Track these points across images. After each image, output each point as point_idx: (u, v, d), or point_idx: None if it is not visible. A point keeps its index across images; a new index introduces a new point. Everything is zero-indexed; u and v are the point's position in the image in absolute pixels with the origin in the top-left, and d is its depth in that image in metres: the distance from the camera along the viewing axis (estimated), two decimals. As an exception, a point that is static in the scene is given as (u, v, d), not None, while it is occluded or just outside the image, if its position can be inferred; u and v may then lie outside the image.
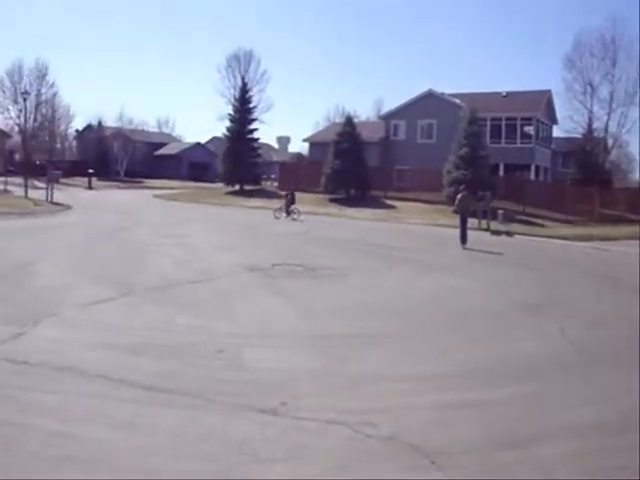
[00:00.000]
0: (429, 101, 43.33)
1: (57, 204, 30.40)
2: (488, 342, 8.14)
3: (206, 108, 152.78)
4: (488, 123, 40.53)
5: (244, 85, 47.78)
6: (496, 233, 26.06)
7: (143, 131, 71.00)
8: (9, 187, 37.18)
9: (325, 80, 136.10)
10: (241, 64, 56.22)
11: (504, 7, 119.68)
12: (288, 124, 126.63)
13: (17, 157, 63.67)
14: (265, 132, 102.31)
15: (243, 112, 44.98)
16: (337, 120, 60.88)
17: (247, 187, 43.54)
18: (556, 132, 48.48)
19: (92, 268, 12.61)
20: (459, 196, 21.74)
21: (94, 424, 4.90)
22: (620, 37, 44.21)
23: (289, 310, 9.53)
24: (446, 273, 14.23)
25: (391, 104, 54.54)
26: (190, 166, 68.80)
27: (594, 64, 45.00)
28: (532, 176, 41.94)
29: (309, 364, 6.79)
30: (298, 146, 72.98)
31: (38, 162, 52.40)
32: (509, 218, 29.44)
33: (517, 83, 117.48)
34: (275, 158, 65.26)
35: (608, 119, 45.58)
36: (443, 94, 44.24)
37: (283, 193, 32.33)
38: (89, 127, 67.55)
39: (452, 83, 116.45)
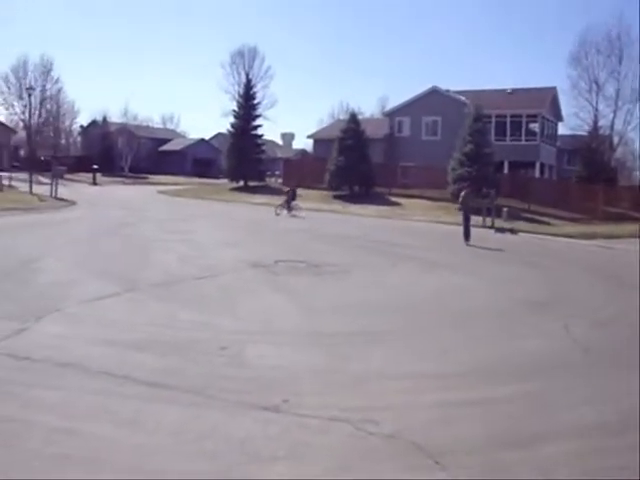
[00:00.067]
0: (434, 98, 43.20)
1: (61, 200, 30.45)
2: (491, 340, 8.12)
3: (210, 104, 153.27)
4: (493, 120, 40.36)
5: (248, 81, 47.70)
6: (500, 231, 25.99)
7: (148, 127, 71.10)
8: (14, 183, 37.24)
9: (329, 77, 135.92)
10: (245, 60, 56.37)
11: (509, 4, 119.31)
12: (292, 121, 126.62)
13: (22, 153, 63.83)
14: (269, 129, 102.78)
15: (247, 108, 44.93)
16: (341, 117, 60.71)
17: (251, 183, 43.52)
18: (561, 129, 48.41)
19: (96, 264, 12.63)
20: (462, 193, 22.00)
21: (97, 421, 4.91)
22: (626, 34, 44.10)
23: (292, 307, 9.52)
24: (450, 271, 14.19)
25: (395, 101, 54.50)
26: (194, 162, 68.83)
27: (600, 61, 44.91)
28: (537, 174, 41.78)
29: (311, 361, 6.78)
30: (302, 143, 73.12)
31: (43, 158, 52.55)
32: (514, 216, 29.35)
33: (522, 80, 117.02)
34: (279, 154, 65.10)
35: (614, 116, 45.48)
36: (448, 91, 44.10)
37: (285, 189, 32.31)
38: (94, 123, 67.62)
39: (457, 80, 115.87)
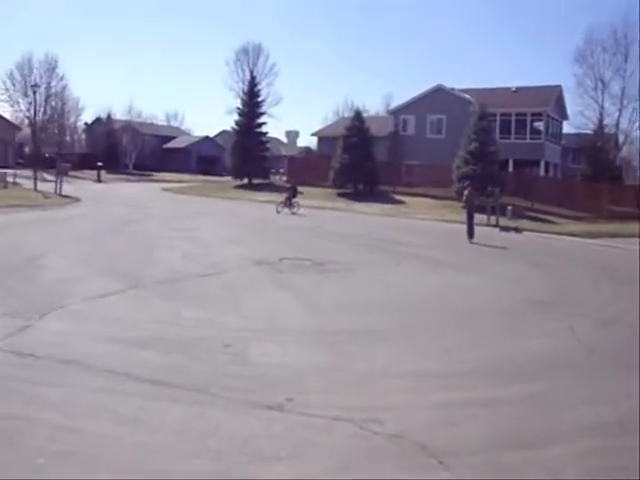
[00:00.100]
0: (438, 96, 43.11)
1: (66, 197, 30.48)
2: (495, 339, 8.09)
3: (215, 102, 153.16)
4: (498, 118, 40.26)
5: (253, 79, 47.63)
6: (505, 229, 25.95)
7: (152, 124, 71.15)
8: (18, 180, 37.27)
9: (334, 74, 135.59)
10: (250, 58, 56.03)
11: (514, 2, 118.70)
12: (297, 118, 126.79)
13: (27, 150, 63.96)
14: (274, 126, 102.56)
15: (252, 106, 44.93)
16: (346, 114, 60.72)
17: (255, 181, 43.55)
18: (566, 128, 48.22)
19: (101, 261, 12.64)
20: (466, 191, 22.11)
21: (100, 419, 4.90)
22: (633, 32, 43.82)
23: (296, 305, 9.51)
24: (454, 269, 14.16)
25: (400, 99, 54.46)
26: (199, 160, 68.88)
27: (606, 59, 44.64)
28: (542, 172, 41.67)
29: (315, 360, 6.77)
30: (307, 140, 72.84)
31: (47, 155, 52.58)
32: (518, 214, 29.30)
33: (527, 78, 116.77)
34: (284, 152, 65.10)
35: (619, 115, 45.25)
36: (453, 89, 43.99)
37: (287, 186, 32.30)
38: (98, 120, 67.68)
39: (462, 78, 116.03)
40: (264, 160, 44.30)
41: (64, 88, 59.59)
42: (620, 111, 45.00)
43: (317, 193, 35.93)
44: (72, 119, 69.35)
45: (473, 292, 11.42)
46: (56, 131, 61.31)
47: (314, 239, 18.78)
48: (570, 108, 46.64)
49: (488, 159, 32.55)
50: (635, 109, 44.68)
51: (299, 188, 30.28)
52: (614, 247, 21.72)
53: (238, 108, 45.84)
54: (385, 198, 36.07)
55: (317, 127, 58.88)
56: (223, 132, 69.63)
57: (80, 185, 39.91)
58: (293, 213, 27.58)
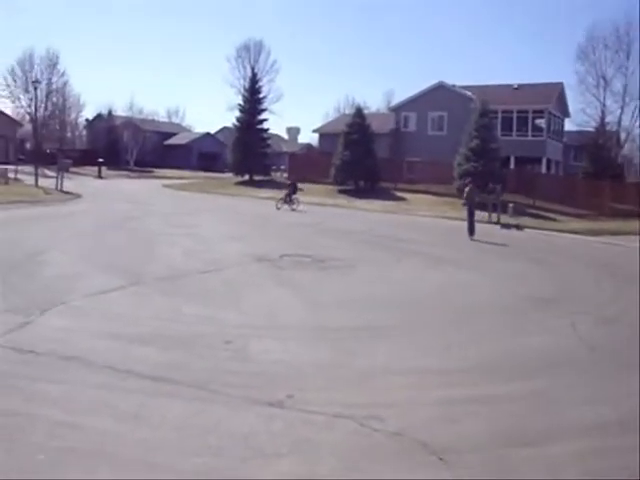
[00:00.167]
0: (440, 93, 43.01)
1: (67, 193, 30.47)
2: (496, 337, 8.09)
3: (216, 98, 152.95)
4: (499, 115, 40.19)
5: (254, 75, 47.58)
6: (506, 226, 25.92)
7: (153, 121, 71.05)
8: (20, 175, 37.31)
9: (335, 71, 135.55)
10: (251, 54, 56.25)
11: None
12: (298, 115, 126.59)
13: (28, 146, 63.94)
14: (275, 123, 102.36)
15: (253, 102, 44.84)
16: (347, 111, 60.65)
17: (256, 177, 43.49)
18: (568, 125, 48.16)
19: (101, 257, 12.64)
20: (467, 189, 22.12)
21: (100, 415, 4.90)
22: (635, 29, 43.72)
23: (297, 302, 9.50)
24: (455, 266, 14.15)
25: (401, 96, 54.32)
26: (200, 156, 68.90)
27: (608, 56, 44.59)
28: (543, 169, 41.58)
29: (316, 356, 6.76)
30: (308, 137, 73.05)
31: (48, 151, 52.69)
32: (519, 211, 29.24)
33: (529, 76, 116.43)
34: (285, 149, 65.06)
35: (621, 112, 45.22)
36: (454, 86, 43.88)
37: (288, 182, 32.28)
38: (99, 116, 67.71)
39: (463, 75, 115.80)
40: (265, 157, 44.23)
41: (65, 84, 59.70)
42: (622, 108, 45.03)
43: (318, 190, 35.89)
44: (73, 115, 69.23)
45: (474, 289, 11.41)
46: (57, 127, 61.24)
47: (315, 236, 18.76)
48: (572, 105, 46.65)
49: (489, 156, 32.48)
50: (637, 107, 44.67)
51: (300, 185, 30.27)
52: (616, 245, 21.69)
53: (239, 104, 45.77)
54: (386, 195, 36.02)
55: (318, 124, 58.70)
56: (224, 128, 69.68)
57: (81, 181, 39.92)
58: (293, 209, 27.58)
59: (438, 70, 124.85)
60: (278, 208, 27.55)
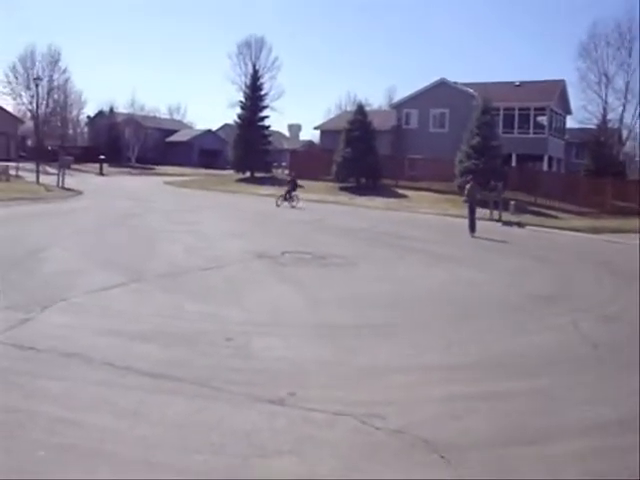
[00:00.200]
0: (442, 90, 42.95)
1: (68, 190, 30.47)
2: (497, 334, 8.06)
3: (217, 95, 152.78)
4: (501, 113, 40.10)
5: (255, 72, 47.50)
6: (507, 224, 25.89)
7: (154, 118, 71.06)
8: (21, 172, 37.27)
9: (337, 68, 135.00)
10: (252, 51, 56.27)
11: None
12: (299, 112, 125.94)
13: (29, 143, 63.88)
14: (276, 120, 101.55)
15: (254, 99, 44.79)
16: (349, 108, 60.54)
17: (258, 174, 43.46)
18: (570, 123, 48.08)
19: (103, 254, 12.62)
20: (468, 186, 22.11)
21: (101, 412, 4.88)
22: (637, 26, 43.65)
23: (298, 299, 9.48)
24: (456, 264, 14.13)
25: (403, 93, 54.11)
26: (201, 153, 68.82)
27: (610, 53, 44.56)
28: (545, 167, 41.55)
29: (318, 354, 6.75)
30: (309, 134, 73.06)
31: (50, 148, 52.59)
32: (521, 209, 29.21)
33: (530, 73, 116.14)
34: (286, 146, 64.93)
35: (623, 110, 45.21)
36: (456, 83, 43.83)
37: (288, 179, 32.25)
38: (101, 113, 67.60)
39: (465, 72, 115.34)
40: (266, 154, 44.18)
41: (67, 81, 59.76)
42: (624, 106, 45.02)
43: (319, 187, 35.87)
44: (75, 112, 69.36)
45: (475, 287, 11.39)
46: (58, 124, 61.27)
47: (316, 233, 18.75)
48: (574, 103, 46.62)
49: (491, 153, 32.45)
50: (639, 104, 44.60)
51: (301, 182, 30.23)
52: (617, 242, 21.65)
53: (241, 101, 45.76)
54: (388, 192, 35.99)
55: (320, 121, 58.67)
56: (225, 125, 69.62)
57: (82, 178, 39.86)
58: (292, 206, 27.57)
59: (440, 67, 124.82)
60: (278, 205, 27.55)
